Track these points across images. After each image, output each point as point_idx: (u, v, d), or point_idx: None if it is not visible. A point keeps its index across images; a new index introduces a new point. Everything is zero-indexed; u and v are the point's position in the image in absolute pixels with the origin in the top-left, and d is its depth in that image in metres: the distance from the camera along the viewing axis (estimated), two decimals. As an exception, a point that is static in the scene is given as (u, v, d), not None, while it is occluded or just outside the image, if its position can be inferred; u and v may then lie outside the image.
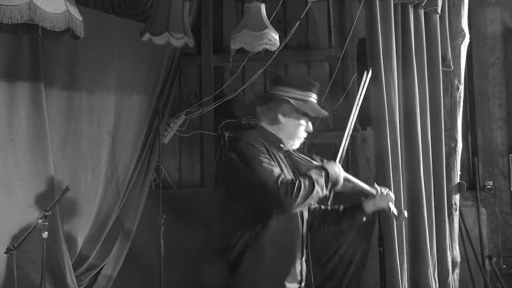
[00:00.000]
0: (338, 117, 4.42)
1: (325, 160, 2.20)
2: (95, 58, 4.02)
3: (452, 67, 3.68)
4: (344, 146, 2.22)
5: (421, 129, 3.27)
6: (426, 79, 3.37)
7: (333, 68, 4.63)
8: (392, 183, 3.00)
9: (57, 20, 2.55)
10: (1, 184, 3.47)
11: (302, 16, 4.04)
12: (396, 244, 3.01)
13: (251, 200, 2.04)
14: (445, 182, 3.42)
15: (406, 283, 3.10)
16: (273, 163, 2.06)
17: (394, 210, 2.33)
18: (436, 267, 3.30)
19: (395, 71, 3.17)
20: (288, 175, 2.14)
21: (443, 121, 3.46)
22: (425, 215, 3.21)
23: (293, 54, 4.91)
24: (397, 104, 3.18)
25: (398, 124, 3.16)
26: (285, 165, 2.19)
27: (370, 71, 2.39)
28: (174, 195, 4.80)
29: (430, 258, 3.21)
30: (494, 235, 4.52)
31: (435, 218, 3.30)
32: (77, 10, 2.70)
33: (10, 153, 3.53)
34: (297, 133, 2.23)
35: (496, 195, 4.56)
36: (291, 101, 2.17)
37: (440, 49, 3.48)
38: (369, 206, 2.32)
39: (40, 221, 3.29)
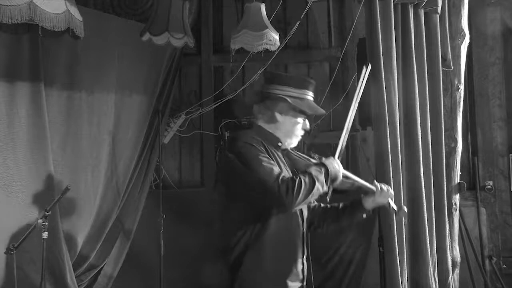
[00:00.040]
0: (338, 117, 4.42)
1: (323, 157, 2.18)
2: (95, 58, 4.02)
3: (452, 67, 3.68)
4: (343, 141, 2.22)
5: (421, 129, 3.27)
6: (426, 79, 3.37)
7: (333, 68, 4.62)
8: (392, 183, 2.99)
9: (57, 20, 2.55)
10: (1, 184, 3.47)
11: (302, 16, 4.03)
12: (396, 244, 3.01)
13: (252, 199, 2.04)
14: (445, 182, 3.42)
15: (406, 283, 3.10)
16: (272, 162, 2.06)
17: (393, 206, 2.34)
18: (436, 267, 3.30)
19: (395, 71, 3.17)
20: (287, 173, 2.13)
21: (443, 121, 3.46)
22: (425, 215, 3.21)
23: (293, 54, 4.91)
24: (397, 104, 3.18)
25: (398, 124, 3.16)
26: (284, 164, 2.19)
27: (369, 66, 2.39)
28: (174, 195, 4.79)
29: (430, 258, 3.21)
30: (494, 235, 4.52)
31: (435, 218, 3.30)
32: (77, 10, 2.70)
33: (10, 153, 3.52)
34: (294, 131, 2.23)
35: (496, 195, 4.56)
36: (288, 99, 2.17)
37: (440, 49, 3.48)
38: (369, 203, 2.32)
39: (40, 221, 3.30)
